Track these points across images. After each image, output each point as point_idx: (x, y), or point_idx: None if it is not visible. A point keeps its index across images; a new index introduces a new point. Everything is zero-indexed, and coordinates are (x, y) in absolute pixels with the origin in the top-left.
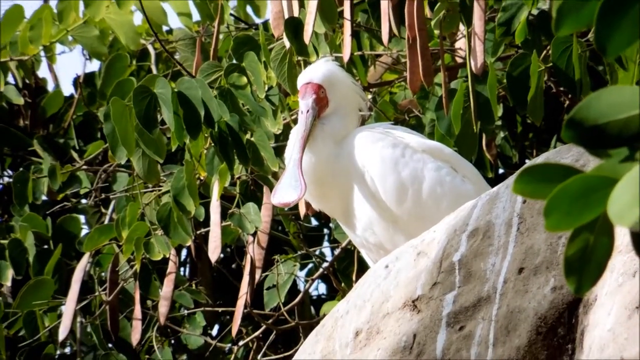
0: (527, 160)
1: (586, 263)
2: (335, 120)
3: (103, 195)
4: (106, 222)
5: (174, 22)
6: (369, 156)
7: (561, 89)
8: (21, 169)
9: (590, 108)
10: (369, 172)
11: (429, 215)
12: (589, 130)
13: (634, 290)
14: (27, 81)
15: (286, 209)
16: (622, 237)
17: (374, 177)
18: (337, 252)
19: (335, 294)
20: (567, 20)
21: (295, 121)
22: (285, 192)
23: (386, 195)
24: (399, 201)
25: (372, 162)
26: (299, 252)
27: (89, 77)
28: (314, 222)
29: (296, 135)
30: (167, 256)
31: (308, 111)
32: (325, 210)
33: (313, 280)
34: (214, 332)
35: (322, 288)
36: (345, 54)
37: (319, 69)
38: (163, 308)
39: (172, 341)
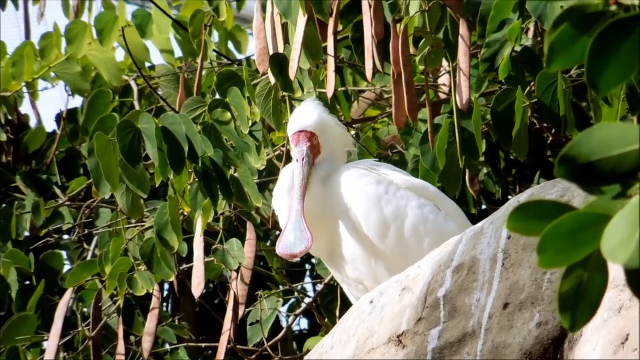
0: (510, 197)
1: (580, 300)
2: (327, 164)
3: (86, 231)
4: (89, 257)
5: (157, 58)
6: (353, 192)
7: (545, 124)
8: (4, 205)
9: (583, 145)
10: (353, 208)
11: (412, 252)
12: (581, 167)
13: (619, 326)
14: (10, 117)
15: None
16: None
17: (358, 213)
18: (320, 287)
19: (318, 329)
20: (559, 56)
21: (279, 157)
22: (292, 243)
23: (369, 232)
24: (381, 237)
25: (356, 198)
26: (282, 288)
27: (72, 114)
28: (297, 258)
29: (294, 183)
30: (151, 292)
31: (304, 159)
32: (317, 252)
33: (297, 316)
34: None
35: (304, 323)
36: (329, 90)
37: (311, 116)
38: (146, 344)
39: None
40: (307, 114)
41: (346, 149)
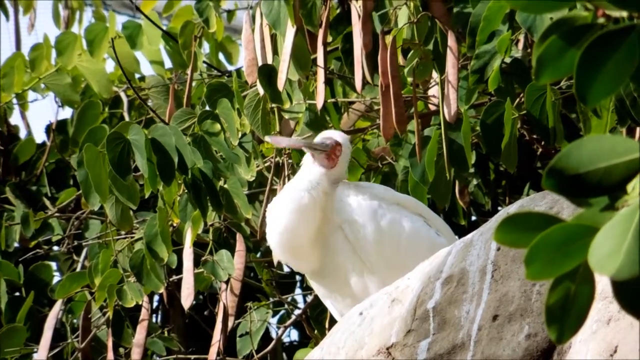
0: (500, 208)
1: (567, 311)
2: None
3: (75, 243)
4: (78, 269)
5: (147, 69)
6: (348, 206)
7: (534, 136)
8: None
9: (571, 157)
10: (349, 221)
11: (406, 265)
12: (569, 179)
13: (608, 338)
14: (0, 128)
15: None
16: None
17: (354, 226)
18: (309, 299)
19: (307, 340)
20: (547, 69)
21: (268, 169)
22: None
23: (365, 245)
24: (377, 250)
25: (352, 211)
26: (272, 299)
27: (62, 125)
28: (287, 269)
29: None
30: (140, 303)
31: (323, 142)
32: (301, 267)
33: (286, 328)
34: None
35: (294, 335)
36: (319, 101)
37: (342, 134)
38: (136, 355)
39: None
40: (338, 132)
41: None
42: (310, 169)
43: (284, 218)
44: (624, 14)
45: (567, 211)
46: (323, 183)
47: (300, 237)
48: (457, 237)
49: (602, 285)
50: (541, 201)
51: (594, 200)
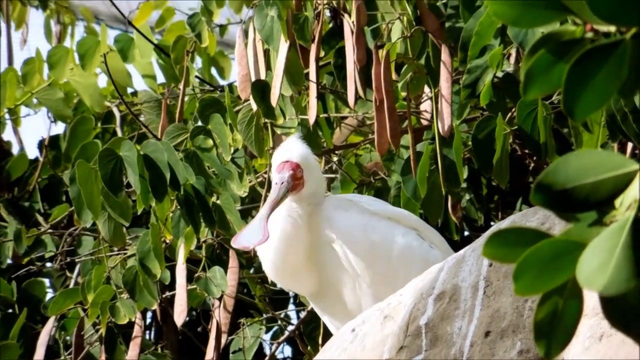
0: (492, 223)
1: (556, 327)
2: (310, 201)
3: (68, 259)
4: (71, 285)
5: (139, 84)
6: (339, 222)
7: (526, 151)
8: None
9: (558, 172)
10: (340, 237)
11: (399, 280)
12: (557, 194)
13: (600, 354)
14: None
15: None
16: (588, 300)
17: (345, 242)
18: (303, 315)
19: (301, 357)
20: (535, 84)
21: (261, 184)
22: (247, 237)
23: (357, 261)
24: (369, 266)
25: (343, 227)
26: (265, 316)
27: (54, 140)
28: (280, 285)
29: (266, 199)
30: (133, 320)
31: (282, 183)
32: (302, 289)
33: (279, 344)
34: None
35: (287, 351)
36: (311, 116)
37: (297, 149)
38: None
39: None
40: (292, 147)
41: (325, 188)
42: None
43: (272, 247)
44: (612, 28)
45: (559, 226)
46: (300, 204)
47: (293, 260)
48: (451, 250)
49: (594, 301)
50: (533, 217)
51: (582, 216)
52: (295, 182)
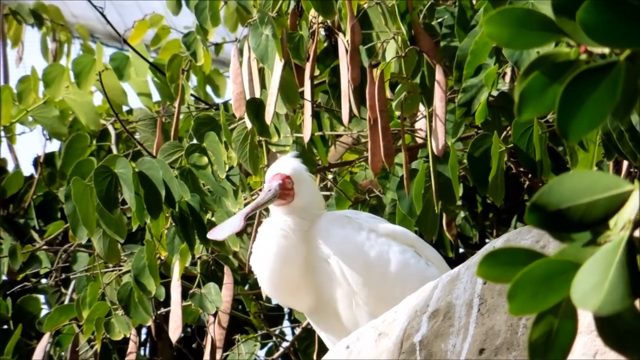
0: (487, 240)
1: (550, 347)
2: (303, 215)
3: (63, 275)
4: (66, 302)
5: (134, 102)
6: (335, 239)
7: (521, 169)
8: None
9: (553, 192)
10: (337, 254)
11: (395, 297)
12: (551, 214)
13: None
14: None
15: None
16: (582, 318)
17: (342, 259)
18: (297, 331)
19: None
20: (529, 105)
21: None
22: (223, 228)
23: (353, 277)
24: (365, 283)
25: (339, 244)
26: (260, 332)
27: (49, 157)
28: (275, 302)
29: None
30: (128, 336)
31: (270, 190)
32: (300, 306)
33: None
34: None
35: None
36: (306, 134)
37: (288, 163)
38: None
39: None
40: (285, 161)
41: (321, 205)
42: (273, 211)
43: (267, 263)
44: (606, 50)
45: (554, 244)
46: (292, 217)
47: (289, 275)
48: (448, 267)
49: (589, 319)
50: (527, 235)
51: (576, 236)
52: (285, 191)
